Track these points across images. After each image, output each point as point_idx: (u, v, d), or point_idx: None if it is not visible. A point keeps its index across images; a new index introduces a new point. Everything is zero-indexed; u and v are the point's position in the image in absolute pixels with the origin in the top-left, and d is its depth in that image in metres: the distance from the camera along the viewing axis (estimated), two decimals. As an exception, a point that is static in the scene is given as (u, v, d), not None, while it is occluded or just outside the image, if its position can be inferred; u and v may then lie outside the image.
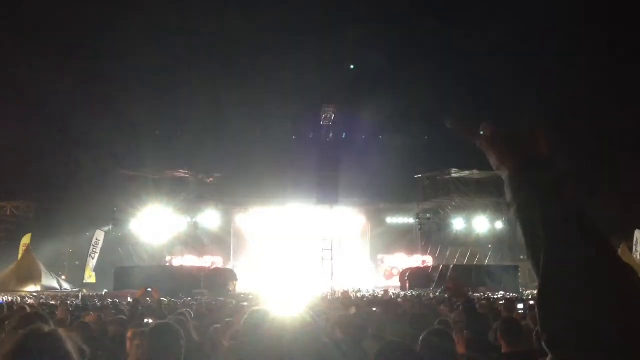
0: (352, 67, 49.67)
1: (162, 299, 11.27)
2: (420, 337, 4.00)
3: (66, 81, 40.63)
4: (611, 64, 41.94)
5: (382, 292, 23.86)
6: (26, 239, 38.21)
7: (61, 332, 2.07)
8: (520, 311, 9.11)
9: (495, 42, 52.30)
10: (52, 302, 17.97)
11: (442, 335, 4.21)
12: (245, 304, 13.84)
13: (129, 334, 5.24)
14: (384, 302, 12.10)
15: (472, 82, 54.99)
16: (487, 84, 51.46)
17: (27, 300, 19.53)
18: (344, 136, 46.69)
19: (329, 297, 21.00)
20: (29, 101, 45.61)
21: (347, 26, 50.47)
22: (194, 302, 17.80)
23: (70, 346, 1.98)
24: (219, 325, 6.47)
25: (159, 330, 3.69)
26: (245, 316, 4.23)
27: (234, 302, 16.83)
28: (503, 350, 4.88)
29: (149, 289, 7.86)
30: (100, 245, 41.12)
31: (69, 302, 17.82)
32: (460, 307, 6.32)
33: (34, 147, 43.94)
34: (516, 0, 48.68)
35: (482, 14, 54.59)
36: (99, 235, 41.26)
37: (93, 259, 40.53)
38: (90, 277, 39.97)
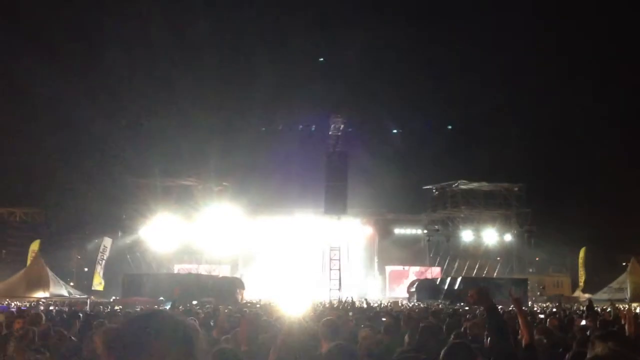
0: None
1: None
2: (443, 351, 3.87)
3: (76, 89, 40.95)
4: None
5: (391, 304, 23.74)
6: (35, 245, 38.33)
7: None
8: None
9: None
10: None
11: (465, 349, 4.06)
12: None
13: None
14: (404, 315, 11.85)
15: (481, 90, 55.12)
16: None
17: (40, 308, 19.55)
18: (352, 147, 46.55)
19: (334, 305, 20.97)
20: (38, 109, 45.96)
21: (357, 39, 50.73)
22: (200, 309, 17.81)
23: None
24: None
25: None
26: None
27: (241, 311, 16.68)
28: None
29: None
30: (107, 253, 41.20)
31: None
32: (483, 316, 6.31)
33: (43, 154, 44.18)
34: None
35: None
36: (107, 243, 41.36)
37: (101, 265, 40.65)
38: (99, 284, 40.06)
